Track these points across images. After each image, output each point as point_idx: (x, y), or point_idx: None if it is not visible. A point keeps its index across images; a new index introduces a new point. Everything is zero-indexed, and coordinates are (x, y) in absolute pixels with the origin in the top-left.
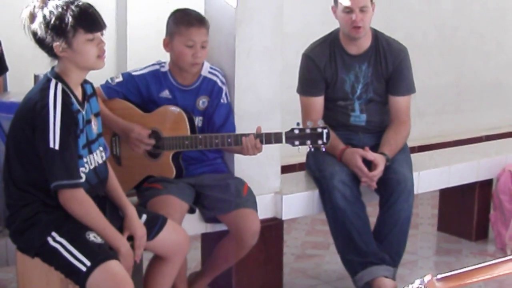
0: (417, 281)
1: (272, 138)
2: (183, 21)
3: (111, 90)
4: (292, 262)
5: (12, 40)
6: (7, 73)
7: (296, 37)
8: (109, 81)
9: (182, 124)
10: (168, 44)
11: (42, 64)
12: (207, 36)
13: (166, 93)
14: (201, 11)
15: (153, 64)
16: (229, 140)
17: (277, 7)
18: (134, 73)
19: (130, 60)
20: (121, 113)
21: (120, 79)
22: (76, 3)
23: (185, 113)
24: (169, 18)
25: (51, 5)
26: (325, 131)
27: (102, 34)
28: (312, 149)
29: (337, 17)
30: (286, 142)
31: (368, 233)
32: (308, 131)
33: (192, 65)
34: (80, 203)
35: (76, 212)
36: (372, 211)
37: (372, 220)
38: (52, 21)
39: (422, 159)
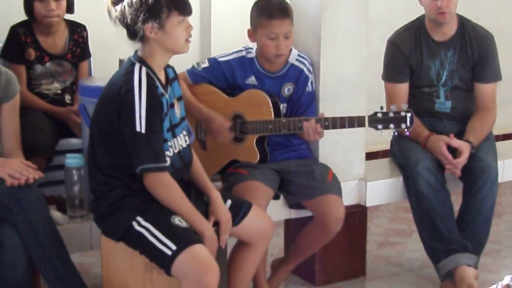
0: (507, 277)
1: (355, 121)
2: (265, 13)
3: (197, 76)
4: (375, 249)
5: (97, 25)
6: (92, 58)
7: (380, 24)
8: (195, 66)
9: (266, 108)
10: (252, 34)
11: (127, 49)
12: (291, 26)
13: (252, 79)
14: None
15: (240, 50)
16: (326, 123)
17: None
18: (220, 59)
19: (214, 47)
20: (206, 98)
21: (206, 64)
22: None
23: (269, 97)
24: (252, 8)
25: None
26: (408, 114)
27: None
28: (396, 133)
29: (422, 3)
30: (369, 126)
31: (452, 220)
32: (391, 114)
33: (276, 57)
34: (166, 187)
35: (161, 196)
36: (455, 199)
37: (456, 208)
38: (148, 1)
39: (506, 148)
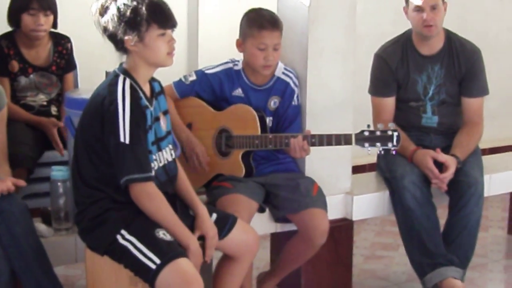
0: None
1: (342, 139)
2: (256, 23)
3: (184, 89)
4: (362, 263)
5: (83, 37)
6: (78, 70)
7: (368, 38)
8: (183, 79)
9: (253, 123)
10: (241, 44)
11: (113, 61)
12: (280, 39)
13: (238, 91)
14: (274, 10)
15: (227, 62)
16: (313, 140)
17: (350, 7)
18: (207, 71)
19: (201, 58)
20: (193, 111)
21: (194, 77)
22: None
23: (256, 112)
24: (242, 18)
25: None
26: (395, 133)
27: (172, 32)
28: (382, 152)
29: (408, 17)
30: (356, 144)
31: (437, 235)
32: (378, 133)
33: (264, 68)
34: (151, 197)
35: (147, 207)
36: (442, 213)
37: (442, 222)
38: (126, 14)
39: (493, 162)
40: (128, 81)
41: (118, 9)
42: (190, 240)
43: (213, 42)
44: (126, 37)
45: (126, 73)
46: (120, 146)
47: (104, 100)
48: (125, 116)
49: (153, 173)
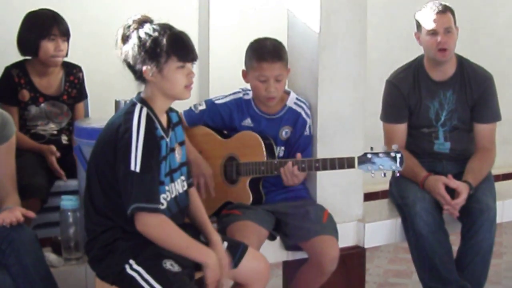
0: None
1: (345, 162)
2: (255, 55)
3: (193, 118)
4: None
5: (93, 66)
6: (88, 99)
7: (379, 63)
8: (192, 108)
9: (259, 150)
10: (246, 75)
11: (123, 90)
12: (283, 69)
13: (248, 121)
14: (284, 38)
15: (237, 92)
16: (302, 165)
17: (361, 33)
18: (217, 102)
19: (212, 88)
20: (202, 140)
21: (203, 107)
22: (173, 30)
23: (262, 139)
24: (247, 49)
25: (147, 27)
26: (398, 155)
27: (192, 65)
28: (386, 175)
29: (421, 43)
30: (359, 166)
31: (450, 261)
32: (381, 155)
33: (266, 99)
34: (160, 227)
35: (155, 236)
36: (454, 240)
37: (454, 248)
38: (147, 44)
39: (506, 188)
40: (145, 110)
41: (139, 38)
42: (207, 256)
43: (224, 71)
44: (144, 67)
45: (144, 102)
46: (130, 174)
47: (119, 128)
48: (138, 144)
49: (162, 206)
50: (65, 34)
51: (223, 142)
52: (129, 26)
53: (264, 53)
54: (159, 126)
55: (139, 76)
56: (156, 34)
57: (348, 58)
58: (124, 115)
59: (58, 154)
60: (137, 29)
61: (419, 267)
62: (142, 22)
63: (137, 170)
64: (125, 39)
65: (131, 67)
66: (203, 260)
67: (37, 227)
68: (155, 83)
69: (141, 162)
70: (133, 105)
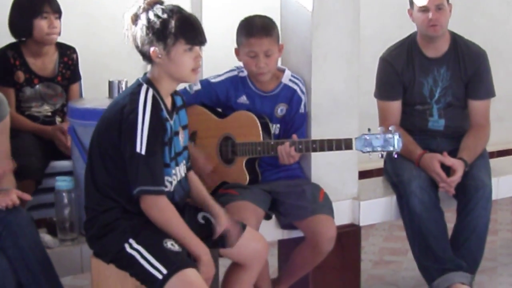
0: None
1: (343, 144)
2: (244, 31)
3: (189, 99)
4: (370, 268)
5: (87, 47)
6: (82, 80)
7: (373, 41)
8: (188, 89)
9: (255, 130)
10: (238, 53)
11: (117, 71)
12: (273, 45)
13: (243, 99)
14: (278, 16)
15: (232, 70)
16: (300, 146)
17: (354, 10)
18: (212, 80)
19: (205, 68)
20: (197, 119)
21: (199, 87)
22: (182, 12)
23: (258, 119)
24: (237, 27)
25: (157, 9)
26: (396, 136)
27: (200, 49)
28: (384, 155)
29: (413, 19)
30: (357, 148)
31: (445, 239)
32: (378, 136)
33: (257, 75)
34: (163, 210)
35: (157, 219)
36: (450, 217)
37: (450, 226)
38: (156, 25)
39: (501, 165)
40: (151, 91)
41: (148, 20)
42: (202, 250)
43: (218, 51)
44: (152, 49)
45: (150, 83)
46: (135, 156)
47: (123, 108)
48: (144, 126)
49: (166, 188)
50: (57, 11)
51: (219, 122)
52: (139, 7)
53: (253, 28)
54: (164, 108)
55: (146, 57)
56: (165, 16)
57: (341, 36)
58: (130, 95)
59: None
60: (147, 10)
61: (413, 246)
62: (152, 3)
63: (143, 152)
64: (134, 20)
65: (139, 47)
66: (197, 254)
67: (31, 208)
68: (162, 65)
69: (146, 144)
70: (139, 85)
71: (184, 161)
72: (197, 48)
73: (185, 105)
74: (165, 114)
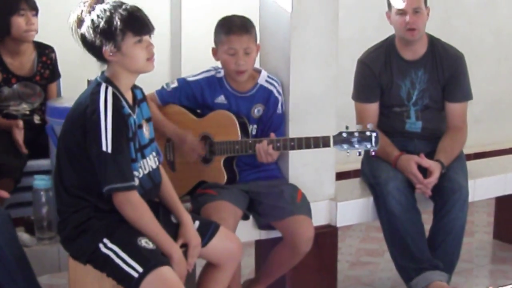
0: None
1: (320, 142)
2: (223, 29)
3: (166, 96)
4: (347, 269)
5: (65, 46)
6: (61, 79)
7: (351, 43)
8: (165, 87)
9: (233, 129)
10: (216, 53)
11: (95, 69)
12: (251, 43)
13: (221, 99)
14: (256, 17)
15: (209, 70)
16: (278, 144)
17: (333, 12)
18: (189, 79)
19: (184, 67)
20: (175, 118)
21: (175, 85)
22: (124, 7)
23: (236, 118)
24: (215, 26)
25: (98, 9)
26: (373, 134)
27: (150, 37)
28: (362, 153)
29: (391, 22)
30: (334, 145)
31: (422, 240)
32: (356, 134)
33: (236, 73)
34: (134, 206)
35: (129, 216)
36: (427, 219)
37: (426, 227)
38: (100, 25)
39: (478, 167)
40: (110, 89)
41: (92, 21)
42: (173, 249)
43: (196, 51)
44: (104, 48)
45: (108, 81)
46: (102, 155)
47: (86, 109)
48: (107, 125)
49: (135, 182)
50: (34, 8)
51: (197, 121)
52: (81, 11)
53: (232, 26)
54: (125, 104)
55: (100, 57)
56: (108, 14)
57: (320, 37)
58: (91, 95)
59: (21, 126)
60: (89, 12)
61: (391, 246)
62: (92, 4)
63: (109, 150)
64: (79, 24)
65: (90, 49)
66: (168, 252)
67: (9, 207)
68: (116, 61)
69: (112, 142)
70: (98, 85)
71: (153, 153)
72: (146, 37)
73: (146, 97)
74: (127, 110)
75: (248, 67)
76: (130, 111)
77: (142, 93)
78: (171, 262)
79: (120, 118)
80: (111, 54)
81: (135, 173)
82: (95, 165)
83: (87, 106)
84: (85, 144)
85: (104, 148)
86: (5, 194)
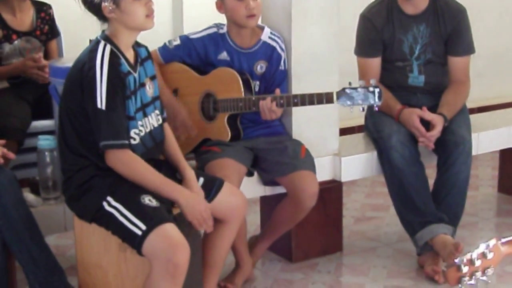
0: (482, 245)
1: (324, 98)
2: None
3: (168, 54)
4: (352, 224)
5: (67, 6)
6: (63, 39)
7: None
8: (167, 44)
9: (237, 86)
10: (221, 5)
11: (97, 29)
12: None
13: (224, 55)
14: None
15: (211, 27)
16: (281, 101)
17: None
18: (192, 36)
19: (186, 25)
20: (178, 77)
21: (178, 42)
22: None
23: (240, 75)
24: None
25: None
26: (376, 90)
27: None
28: (365, 109)
29: None
30: (338, 101)
31: (426, 193)
32: (359, 90)
33: (248, 18)
34: (127, 163)
35: (123, 172)
36: (431, 173)
37: (430, 182)
38: None
39: (481, 120)
40: (108, 47)
41: None
42: (181, 193)
43: (198, 9)
44: (103, 5)
45: (108, 39)
46: (97, 112)
47: (83, 66)
48: (102, 82)
49: (131, 141)
50: None
51: (200, 78)
52: None
53: None
54: (124, 62)
55: (99, 15)
56: None
57: None
58: (89, 53)
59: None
60: None
61: (395, 200)
62: None
63: (103, 107)
64: None
65: (90, 8)
66: (175, 198)
67: (14, 168)
68: (115, 19)
69: (106, 99)
70: (97, 43)
71: (156, 111)
72: None
73: (151, 56)
74: (126, 67)
75: (258, 12)
76: (130, 69)
77: (147, 51)
78: (181, 207)
79: (115, 76)
80: (110, 11)
81: (136, 131)
82: (91, 121)
83: (84, 64)
84: (83, 102)
85: (98, 105)
86: (11, 155)
